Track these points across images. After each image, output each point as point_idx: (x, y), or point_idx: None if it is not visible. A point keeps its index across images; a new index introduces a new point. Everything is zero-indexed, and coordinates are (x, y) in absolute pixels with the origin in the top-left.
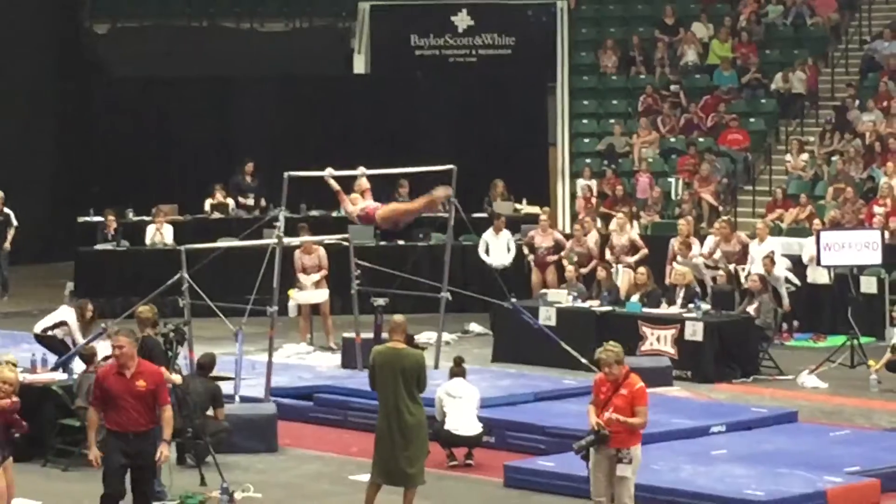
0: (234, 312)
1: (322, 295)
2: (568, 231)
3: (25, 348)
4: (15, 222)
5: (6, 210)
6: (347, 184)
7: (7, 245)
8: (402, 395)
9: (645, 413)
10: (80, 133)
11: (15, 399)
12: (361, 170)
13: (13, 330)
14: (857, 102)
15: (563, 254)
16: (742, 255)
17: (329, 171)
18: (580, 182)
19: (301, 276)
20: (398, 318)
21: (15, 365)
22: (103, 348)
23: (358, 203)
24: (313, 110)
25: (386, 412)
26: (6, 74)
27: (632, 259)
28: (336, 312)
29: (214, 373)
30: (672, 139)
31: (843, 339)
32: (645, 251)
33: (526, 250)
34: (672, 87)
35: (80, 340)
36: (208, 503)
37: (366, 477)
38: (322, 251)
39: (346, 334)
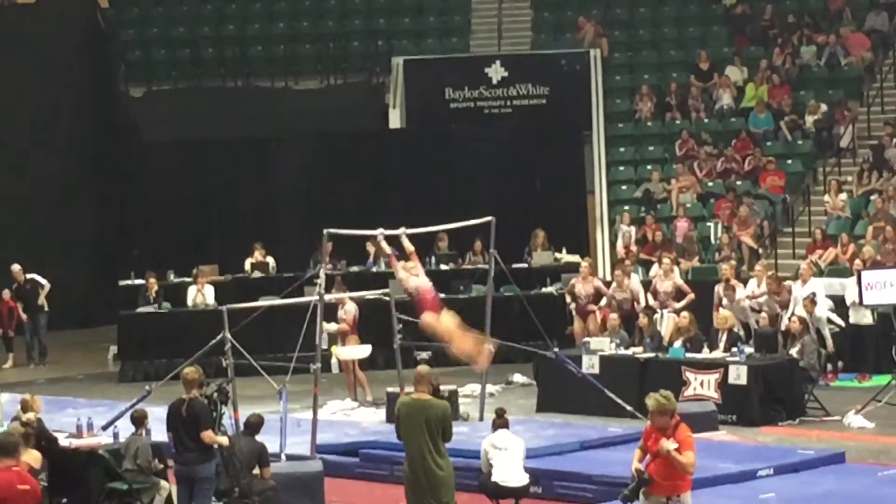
0: (278, 370)
1: (365, 351)
2: (608, 278)
3: (70, 413)
4: (44, 282)
5: (28, 276)
6: (393, 241)
7: (41, 303)
8: (427, 445)
9: (692, 458)
10: (117, 197)
11: None
12: (403, 230)
13: (58, 395)
14: (894, 141)
15: (603, 303)
16: (787, 299)
17: (381, 231)
18: (621, 228)
19: (325, 325)
20: (423, 368)
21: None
22: None
23: (411, 279)
24: (350, 166)
25: (412, 463)
26: (43, 140)
27: (678, 305)
28: (379, 367)
29: (261, 437)
30: (710, 183)
31: (888, 378)
32: (691, 296)
33: (568, 299)
34: (708, 132)
35: None
36: None
37: None
38: (350, 306)
39: (389, 389)
